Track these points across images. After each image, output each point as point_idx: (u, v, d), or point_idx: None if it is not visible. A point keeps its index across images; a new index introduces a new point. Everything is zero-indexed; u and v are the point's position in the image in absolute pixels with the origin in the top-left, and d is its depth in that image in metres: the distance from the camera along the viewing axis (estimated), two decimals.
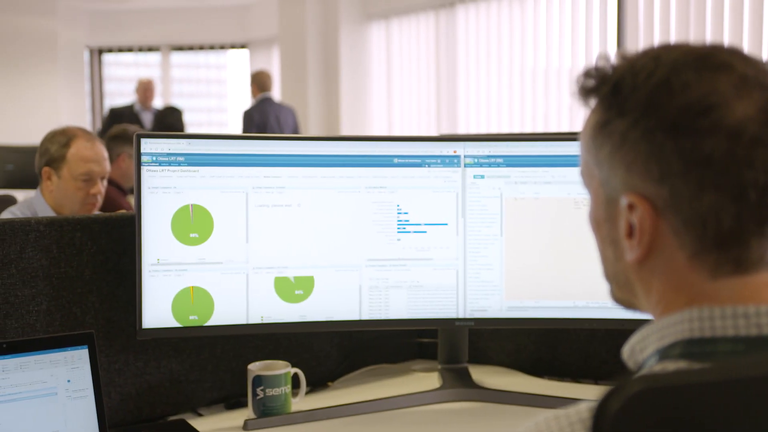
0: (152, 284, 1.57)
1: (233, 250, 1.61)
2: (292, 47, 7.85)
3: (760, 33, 4.71)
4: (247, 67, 9.63)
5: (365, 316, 1.68)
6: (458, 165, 1.69)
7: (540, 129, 6.23)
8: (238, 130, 8.16)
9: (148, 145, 1.57)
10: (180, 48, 10.07)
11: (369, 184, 1.67)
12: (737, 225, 0.72)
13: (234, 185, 1.61)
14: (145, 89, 7.58)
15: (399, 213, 1.68)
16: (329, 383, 1.86)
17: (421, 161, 1.68)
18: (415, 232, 1.68)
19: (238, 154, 1.61)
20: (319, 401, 1.70)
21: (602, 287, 0.87)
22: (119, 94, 9.87)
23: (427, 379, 1.85)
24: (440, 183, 1.69)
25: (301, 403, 1.67)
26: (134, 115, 7.28)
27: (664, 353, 0.74)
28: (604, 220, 0.81)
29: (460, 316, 1.70)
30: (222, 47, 10.03)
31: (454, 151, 1.70)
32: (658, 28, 5.24)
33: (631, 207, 0.76)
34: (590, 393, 1.70)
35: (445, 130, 6.90)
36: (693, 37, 5.01)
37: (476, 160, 1.69)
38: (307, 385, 1.73)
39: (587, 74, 0.79)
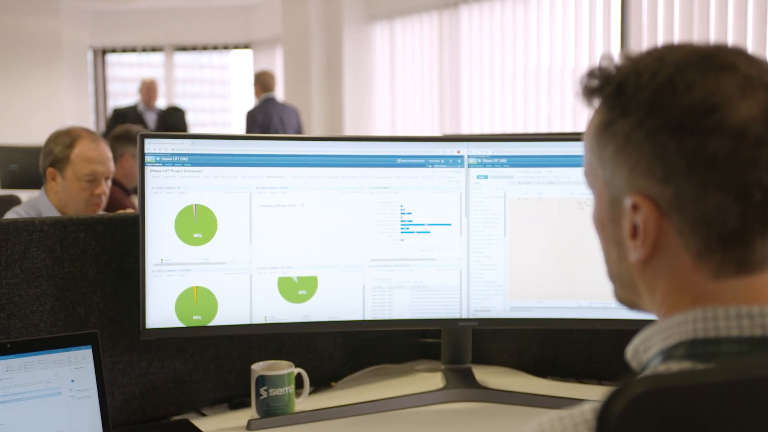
0: (156, 284, 1.57)
1: (237, 250, 1.61)
2: (296, 47, 7.86)
3: (764, 33, 4.70)
4: (250, 68, 9.63)
5: (368, 317, 1.68)
6: (462, 165, 1.69)
7: (543, 129, 6.23)
8: (241, 130, 8.17)
9: (152, 146, 1.58)
10: (183, 48, 10.08)
11: (372, 184, 1.67)
12: (742, 225, 0.72)
13: (237, 185, 1.61)
14: (149, 89, 7.59)
15: (402, 213, 1.68)
16: (333, 383, 1.86)
17: (424, 161, 1.68)
18: (418, 232, 1.68)
19: (241, 154, 1.61)
20: (322, 401, 1.70)
21: (606, 287, 0.87)
22: (123, 94, 9.89)
23: (431, 380, 1.85)
24: (444, 183, 1.69)
25: (305, 403, 1.67)
26: (138, 116, 7.29)
27: (668, 354, 0.74)
28: (608, 221, 0.81)
29: (464, 316, 1.70)
30: (225, 47, 10.04)
31: (458, 152, 1.69)
32: (661, 28, 5.23)
33: (635, 207, 0.76)
34: (594, 393, 1.70)
35: (449, 130, 6.90)
36: (697, 37, 5.00)
37: (480, 161, 1.69)
38: (311, 385, 1.73)
39: (591, 74, 0.79)
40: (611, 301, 0.86)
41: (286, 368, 1.62)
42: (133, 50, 10.12)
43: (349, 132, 7.48)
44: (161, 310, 1.57)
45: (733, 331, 0.72)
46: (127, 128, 3.94)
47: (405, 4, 7.29)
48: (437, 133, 6.89)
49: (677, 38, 5.15)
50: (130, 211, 2.91)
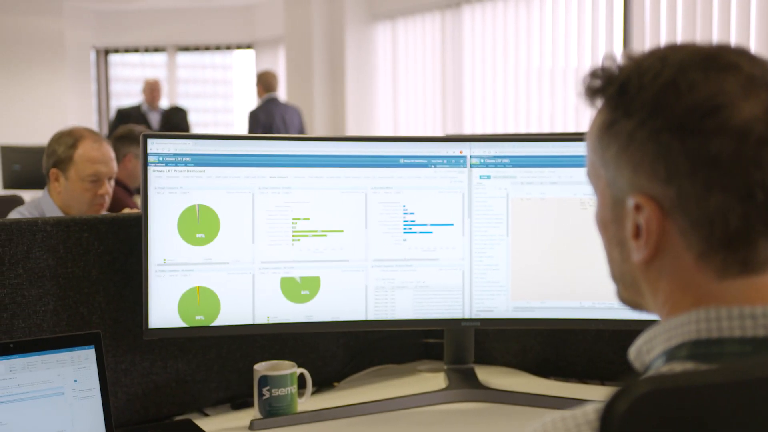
0: (159, 284, 1.57)
1: (239, 250, 1.61)
2: (298, 47, 7.86)
3: (767, 33, 4.69)
4: (252, 68, 9.64)
5: (371, 317, 1.68)
6: (464, 165, 1.69)
7: (546, 129, 6.23)
8: (243, 130, 8.17)
9: (155, 146, 1.58)
10: (186, 48, 10.09)
11: (375, 184, 1.67)
12: (744, 225, 0.72)
13: (240, 185, 1.61)
14: (152, 89, 7.60)
15: (405, 213, 1.68)
16: (335, 383, 1.86)
17: (427, 161, 1.68)
18: (421, 232, 1.68)
19: (244, 154, 1.62)
20: (325, 401, 1.70)
21: (608, 288, 0.87)
22: (125, 94, 9.90)
23: (433, 380, 1.85)
24: (446, 183, 1.69)
25: (307, 403, 1.67)
26: (141, 116, 7.29)
27: (671, 354, 0.74)
28: (610, 221, 0.81)
29: (466, 316, 1.70)
30: (228, 47, 10.05)
31: (460, 152, 1.69)
32: (664, 28, 5.23)
33: (637, 208, 0.76)
34: (597, 394, 1.70)
35: (451, 131, 6.90)
36: (700, 37, 4.99)
37: (482, 161, 1.69)
38: (313, 385, 1.73)
39: (594, 74, 0.79)
40: (614, 301, 0.86)
41: (288, 368, 1.62)
42: (136, 50, 10.13)
43: (351, 132, 7.49)
44: (164, 310, 1.58)
45: (736, 331, 0.72)
46: (129, 128, 3.94)
47: (407, 4, 7.29)
48: (440, 133, 6.89)
49: (680, 38, 5.15)
50: (133, 211, 2.92)
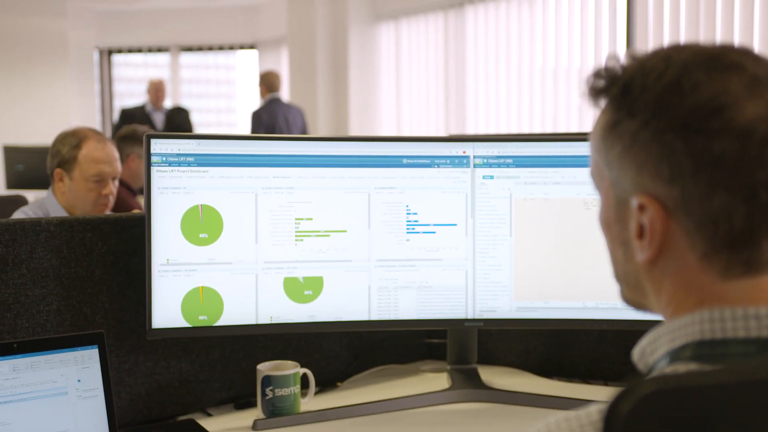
0: (162, 284, 1.57)
1: (242, 250, 1.61)
2: (301, 48, 7.86)
3: None
4: (256, 68, 9.65)
5: (374, 317, 1.68)
6: (467, 165, 1.69)
7: (549, 129, 6.22)
8: (246, 130, 8.18)
9: (158, 146, 1.58)
10: (189, 48, 10.10)
11: (378, 184, 1.67)
12: (748, 225, 0.72)
13: (243, 185, 1.61)
14: (157, 90, 7.61)
15: (408, 213, 1.68)
16: (338, 383, 1.86)
17: (430, 162, 1.68)
18: (424, 232, 1.68)
19: (247, 154, 1.62)
20: (328, 401, 1.70)
21: (612, 288, 0.87)
22: (129, 94, 9.91)
23: (436, 380, 1.85)
24: (449, 183, 1.69)
25: (310, 403, 1.67)
26: (146, 116, 7.30)
27: (675, 355, 0.74)
28: (614, 221, 0.81)
29: (469, 316, 1.70)
30: (231, 48, 10.05)
31: (464, 152, 1.69)
32: (667, 28, 5.22)
33: (641, 208, 0.76)
34: (600, 394, 1.70)
35: (454, 131, 6.90)
36: (703, 37, 4.99)
37: (485, 161, 1.69)
38: (317, 385, 1.73)
39: (597, 74, 0.79)
40: (617, 301, 0.86)
41: (291, 368, 1.62)
42: (139, 50, 10.14)
43: (354, 132, 7.49)
44: (167, 310, 1.58)
45: (739, 332, 0.72)
46: (133, 128, 3.94)
47: (410, 4, 7.29)
48: (443, 134, 6.89)
49: (683, 38, 5.14)
50: (136, 211, 2.92)
